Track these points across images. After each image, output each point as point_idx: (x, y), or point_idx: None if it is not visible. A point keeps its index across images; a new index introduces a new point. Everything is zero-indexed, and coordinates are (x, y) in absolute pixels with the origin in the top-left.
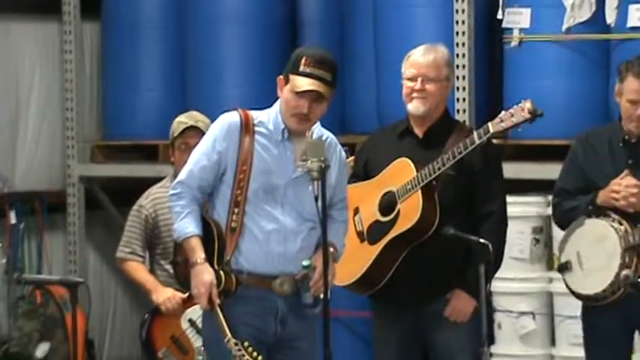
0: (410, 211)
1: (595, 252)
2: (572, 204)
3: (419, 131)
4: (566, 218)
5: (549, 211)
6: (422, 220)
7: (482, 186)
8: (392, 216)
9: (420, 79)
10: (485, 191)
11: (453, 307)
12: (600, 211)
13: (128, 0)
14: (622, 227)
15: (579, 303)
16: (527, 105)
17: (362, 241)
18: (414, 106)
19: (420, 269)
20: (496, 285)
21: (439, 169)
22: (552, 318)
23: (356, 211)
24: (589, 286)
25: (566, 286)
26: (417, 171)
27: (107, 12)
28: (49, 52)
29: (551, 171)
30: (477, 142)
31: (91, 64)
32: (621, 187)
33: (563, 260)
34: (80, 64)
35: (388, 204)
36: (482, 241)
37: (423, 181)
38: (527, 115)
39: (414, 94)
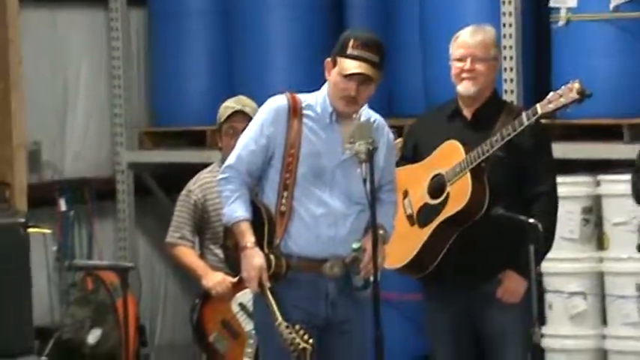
0: (459, 194)
1: None
2: None
3: (468, 112)
4: None
5: (599, 190)
6: (471, 202)
7: (532, 167)
8: (441, 199)
9: (469, 59)
10: (536, 172)
11: (505, 288)
12: None
13: None
14: None
15: (630, 282)
16: (576, 85)
17: (412, 224)
18: (464, 87)
19: (470, 251)
20: (546, 265)
21: (488, 151)
22: (603, 298)
23: (405, 194)
24: None
25: None
26: (466, 153)
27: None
28: (97, 40)
29: (599, 150)
30: (526, 123)
31: (138, 51)
32: None
33: None
34: (127, 52)
35: (437, 186)
36: (531, 221)
37: (472, 163)
38: (576, 96)
39: (464, 75)
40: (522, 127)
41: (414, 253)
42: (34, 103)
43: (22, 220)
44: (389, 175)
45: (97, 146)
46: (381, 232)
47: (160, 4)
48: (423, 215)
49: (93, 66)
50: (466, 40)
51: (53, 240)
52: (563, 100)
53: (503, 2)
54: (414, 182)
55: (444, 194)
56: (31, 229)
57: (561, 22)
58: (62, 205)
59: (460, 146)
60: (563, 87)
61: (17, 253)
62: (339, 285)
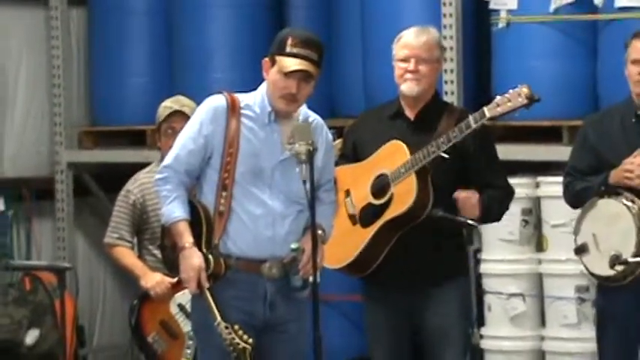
0: (404, 195)
1: (610, 232)
2: (584, 184)
3: (410, 113)
4: (578, 198)
5: (538, 192)
6: (416, 203)
7: (477, 167)
8: (385, 199)
9: (413, 60)
10: (483, 170)
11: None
12: (612, 191)
13: None
14: (635, 205)
15: (569, 284)
16: (525, 90)
17: (354, 223)
18: (407, 87)
19: (411, 253)
20: (485, 267)
21: (434, 152)
22: (542, 299)
23: (347, 193)
24: (605, 265)
25: (585, 267)
26: (411, 154)
27: None
28: (36, 39)
29: (539, 152)
30: (473, 126)
31: (78, 50)
32: (634, 165)
33: (579, 242)
34: (67, 51)
35: (381, 187)
36: (470, 222)
37: (417, 164)
38: (525, 101)
39: (408, 75)
40: (470, 130)
41: (357, 253)
42: None
43: None
44: (328, 174)
45: (37, 145)
46: (319, 232)
47: (101, 2)
48: (366, 215)
49: (32, 65)
50: (410, 41)
51: None
52: (510, 105)
53: (444, 4)
54: (356, 182)
55: (388, 195)
56: None
57: (501, 24)
58: (1, 205)
59: (405, 147)
60: (511, 91)
61: None
62: (277, 285)
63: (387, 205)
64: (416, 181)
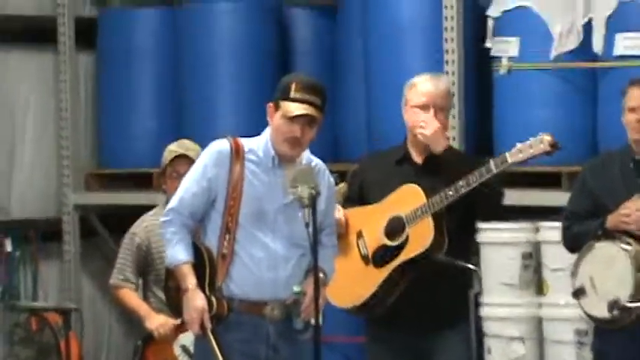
0: (421, 236)
1: (607, 275)
2: (582, 228)
3: (418, 158)
4: (576, 242)
5: (538, 237)
6: (433, 245)
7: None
8: (401, 240)
9: (432, 109)
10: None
11: None
12: (610, 235)
13: (122, 32)
14: (632, 248)
15: (569, 328)
16: (547, 138)
17: (367, 264)
18: (436, 141)
19: (416, 295)
20: (486, 310)
21: (452, 196)
22: (542, 343)
23: (359, 234)
24: (604, 308)
25: (582, 310)
26: (427, 197)
27: (102, 43)
28: (45, 82)
29: (538, 197)
30: (495, 171)
31: (85, 94)
32: (631, 210)
33: (577, 285)
34: (75, 94)
35: (395, 228)
36: (470, 266)
37: (434, 207)
38: (548, 148)
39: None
40: (490, 175)
41: (370, 293)
42: None
43: None
44: (329, 218)
45: (44, 187)
46: (321, 275)
47: (108, 48)
48: (380, 256)
49: (41, 108)
50: (429, 89)
51: None
52: (532, 151)
53: (447, 51)
54: (368, 223)
55: (404, 236)
56: None
57: (503, 71)
58: (8, 246)
59: (421, 190)
60: (532, 138)
61: None
62: (279, 328)
63: (402, 246)
64: (433, 223)
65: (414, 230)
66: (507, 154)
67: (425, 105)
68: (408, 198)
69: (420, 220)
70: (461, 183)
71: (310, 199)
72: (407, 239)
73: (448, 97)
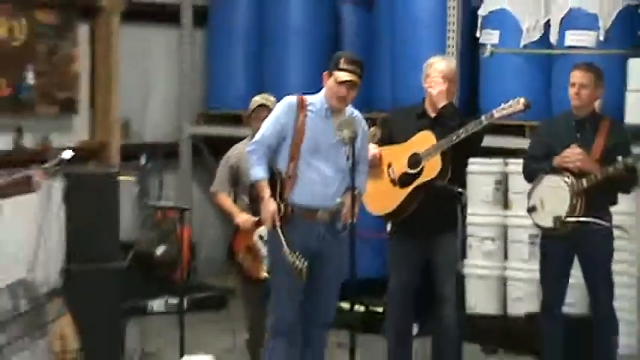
0: (432, 167)
1: (552, 198)
2: (537, 165)
3: (432, 113)
4: (532, 175)
5: (506, 169)
6: (440, 174)
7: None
8: (418, 169)
9: (447, 82)
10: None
11: None
12: (555, 170)
13: (225, 15)
14: (569, 180)
15: (524, 232)
16: (522, 100)
17: (394, 185)
18: (440, 99)
19: (425, 209)
20: (469, 219)
21: (455, 140)
22: (506, 242)
23: (389, 165)
24: (549, 221)
25: (534, 221)
26: (437, 140)
27: (212, 22)
28: (172, 49)
29: (509, 142)
30: (485, 122)
31: (200, 59)
32: (571, 154)
33: (531, 204)
34: (193, 59)
35: (415, 162)
36: (459, 190)
37: (442, 147)
38: (522, 107)
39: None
40: (482, 125)
41: (396, 205)
42: (126, 91)
43: (115, 170)
44: (363, 152)
45: (169, 121)
46: (356, 192)
47: (216, 25)
48: (403, 180)
49: (169, 67)
50: (443, 67)
51: (136, 184)
52: (512, 109)
53: (448, 38)
54: (396, 157)
55: (420, 167)
56: (120, 177)
57: (487, 54)
58: (142, 160)
59: (433, 136)
60: (511, 100)
61: (110, 192)
62: (326, 227)
63: (419, 173)
64: (440, 158)
65: (427, 163)
66: (494, 111)
67: (443, 78)
68: (425, 141)
69: (432, 156)
70: (461, 130)
71: (350, 140)
72: (422, 169)
73: (455, 73)
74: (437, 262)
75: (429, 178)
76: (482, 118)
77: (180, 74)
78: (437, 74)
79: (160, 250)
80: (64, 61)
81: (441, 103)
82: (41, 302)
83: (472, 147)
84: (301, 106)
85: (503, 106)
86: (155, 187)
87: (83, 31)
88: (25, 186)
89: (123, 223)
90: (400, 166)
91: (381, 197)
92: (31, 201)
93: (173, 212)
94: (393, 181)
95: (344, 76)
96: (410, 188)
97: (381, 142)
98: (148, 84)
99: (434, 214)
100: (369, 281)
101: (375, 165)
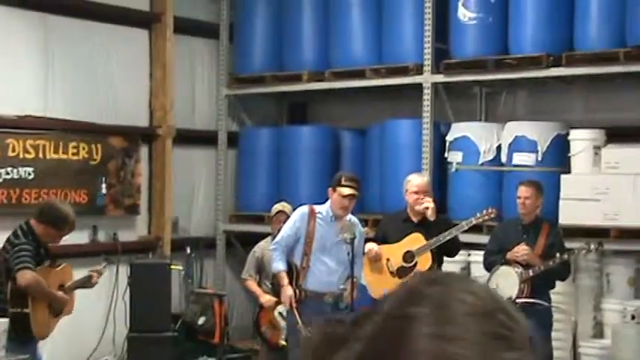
0: (424, 261)
1: (505, 283)
2: (493, 258)
3: (415, 219)
4: (490, 265)
5: (470, 259)
6: (431, 266)
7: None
8: (412, 264)
9: (422, 193)
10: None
11: None
12: (507, 262)
13: (252, 140)
14: (519, 270)
15: None
16: (494, 210)
17: (393, 276)
18: (420, 207)
19: None
20: None
21: (441, 240)
22: None
23: (388, 259)
24: None
25: None
26: (426, 240)
27: (241, 145)
28: (211, 166)
29: (470, 238)
30: (465, 227)
31: (232, 173)
32: (519, 250)
33: None
34: (225, 173)
35: (408, 257)
36: None
37: (431, 246)
38: (493, 215)
39: (419, 201)
40: (462, 230)
41: None
42: (176, 197)
43: (168, 260)
44: (359, 249)
45: (208, 220)
46: (355, 279)
47: (244, 147)
48: (400, 272)
49: (208, 179)
50: (420, 182)
51: (183, 269)
52: (486, 217)
53: (423, 158)
54: (392, 254)
55: (414, 261)
56: (172, 266)
57: (453, 169)
58: (188, 251)
59: (422, 236)
60: (484, 210)
61: (164, 277)
62: (332, 306)
63: (413, 267)
64: (431, 254)
65: (420, 258)
66: (473, 218)
67: (417, 191)
68: (415, 241)
69: (423, 252)
70: (446, 233)
71: (350, 240)
72: (416, 263)
73: (427, 184)
74: None
75: (422, 270)
76: (464, 223)
77: (216, 184)
78: (414, 188)
79: (201, 320)
80: (129, 176)
81: (432, 218)
82: None
83: (453, 245)
84: (312, 214)
85: (478, 215)
86: (197, 271)
87: (144, 152)
88: (88, 283)
89: (173, 300)
90: (397, 261)
91: (383, 286)
92: (102, 287)
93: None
94: (392, 273)
95: (346, 190)
96: (407, 278)
97: (376, 240)
98: (192, 191)
99: None
100: None
101: (376, 260)
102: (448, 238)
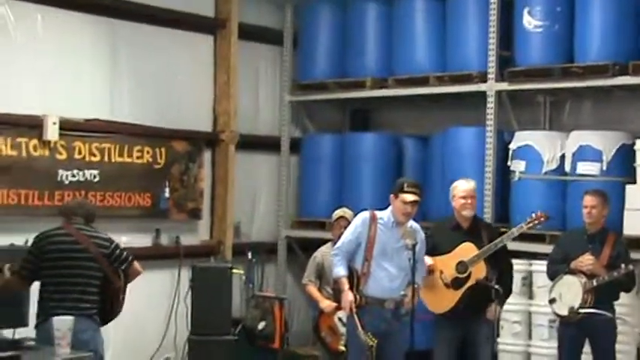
0: (478, 271)
1: (568, 292)
2: (557, 267)
3: (464, 225)
4: (553, 274)
5: (531, 268)
6: (486, 276)
7: (502, 254)
8: (466, 274)
9: (469, 198)
10: (505, 256)
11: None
12: (571, 271)
13: (314, 146)
14: (583, 280)
15: (545, 318)
16: (544, 214)
17: (448, 288)
18: (467, 212)
19: (470, 301)
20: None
21: (492, 249)
22: (530, 324)
23: (441, 272)
24: (565, 310)
25: (553, 310)
26: (478, 249)
27: (303, 151)
28: (274, 171)
29: (534, 247)
30: (516, 234)
31: (294, 179)
32: (583, 259)
33: (551, 297)
34: (289, 178)
35: (462, 268)
36: (497, 287)
37: (485, 254)
38: (543, 220)
39: (467, 206)
40: (514, 236)
41: (453, 303)
42: (238, 202)
43: (229, 264)
44: (421, 255)
45: (269, 226)
46: (416, 286)
47: (307, 153)
48: (455, 283)
49: (270, 184)
50: (465, 187)
51: (245, 273)
52: (536, 222)
53: (486, 166)
54: (445, 266)
55: (468, 272)
56: (233, 270)
57: (516, 178)
58: (249, 255)
59: (474, 246)
60: (533, 214)
61: (225, 281)
62: (392, 312)
63: (468, 277)
64: (485, 263)
65: (474, 268)
66: (523, 224)
67: (465, 196)
68: (468, 250)
69: (477, 262)
70: (497, 241)
71: (412, 247)
72: (470, 273)
73: (473, 190)
74: (476, 341)
75: (477, 280)
76: (514, 229)
77: (279, 190)
78: (462, 193)
79: (261, 325)
80: (192, 180)
81: (470, 218)
82: None
83: (502, 252)
84: (373, 219)
85: (528, 219)
86: (258, 276)
87: (207, 156)
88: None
89: (233, 304)
90: (450, 272)
91: (440, 299)
92: (164, 289)
93: (271, 295)
94: (446, 285)
95: (409, 197)
96: (463, 289)
97: (427, 253)
98: (254, 196)
99: (475, 305)
100: (421, 352)
101: (430, 272)
102: (500, 245)
